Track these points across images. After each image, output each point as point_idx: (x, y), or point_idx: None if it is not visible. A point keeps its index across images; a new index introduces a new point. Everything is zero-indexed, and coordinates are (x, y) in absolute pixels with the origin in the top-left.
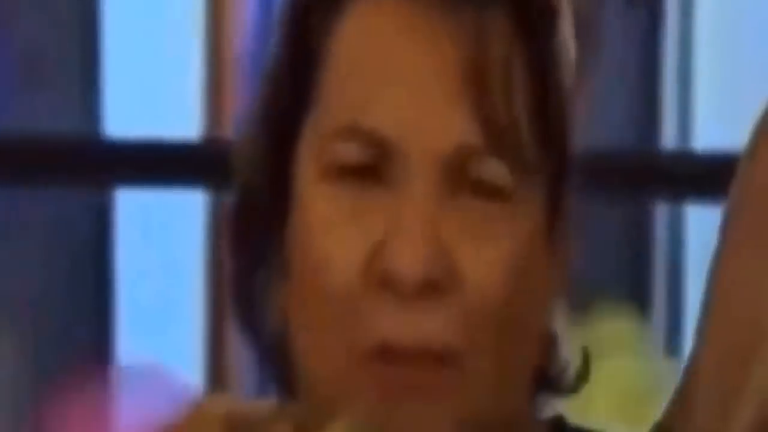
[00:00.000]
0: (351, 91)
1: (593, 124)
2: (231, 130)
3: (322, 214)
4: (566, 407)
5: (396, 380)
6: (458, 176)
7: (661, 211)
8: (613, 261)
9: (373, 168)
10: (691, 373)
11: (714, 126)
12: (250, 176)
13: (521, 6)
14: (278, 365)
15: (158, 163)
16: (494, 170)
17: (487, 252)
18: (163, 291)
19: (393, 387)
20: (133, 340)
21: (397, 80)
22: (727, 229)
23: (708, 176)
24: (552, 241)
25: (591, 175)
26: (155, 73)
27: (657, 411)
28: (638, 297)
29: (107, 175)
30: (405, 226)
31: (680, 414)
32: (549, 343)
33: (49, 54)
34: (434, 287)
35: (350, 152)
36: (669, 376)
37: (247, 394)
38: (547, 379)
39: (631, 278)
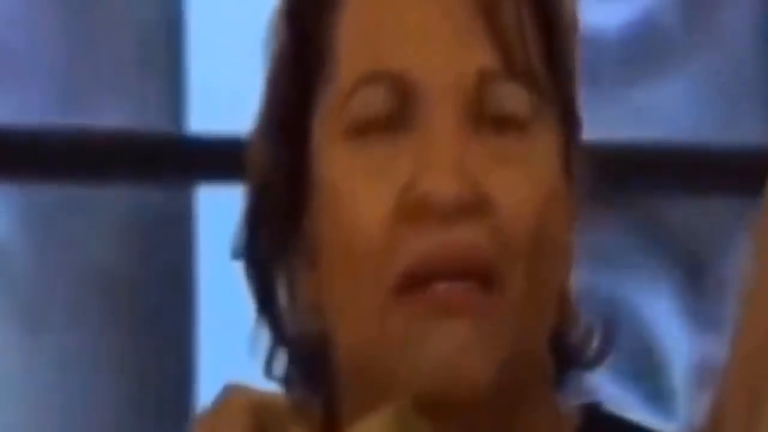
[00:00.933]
0: (366, 43)
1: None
2: None
3: (348, 171)
4: None
5: (434, 298)
6: (480, 105)
7: None
8: None
9: (394, 115)
10: (719, 387)
11: None
12: (266, 169)
13: None
14: (307, 360)
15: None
16: (514, 95)
17: (515, 177)
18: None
19: (430, 306)
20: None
21: (409, 22)
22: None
23: None
24: (567, 169)
25: None
26: (239, 69)
27: None
28: None
29: (189, 172)
30: (434, 159)
31: (711, 426)
32: (565, 305)
33: (133, 51)
34: (468, 210)
35: (371, 97)
36: None
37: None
38: (569, 346)
39: None
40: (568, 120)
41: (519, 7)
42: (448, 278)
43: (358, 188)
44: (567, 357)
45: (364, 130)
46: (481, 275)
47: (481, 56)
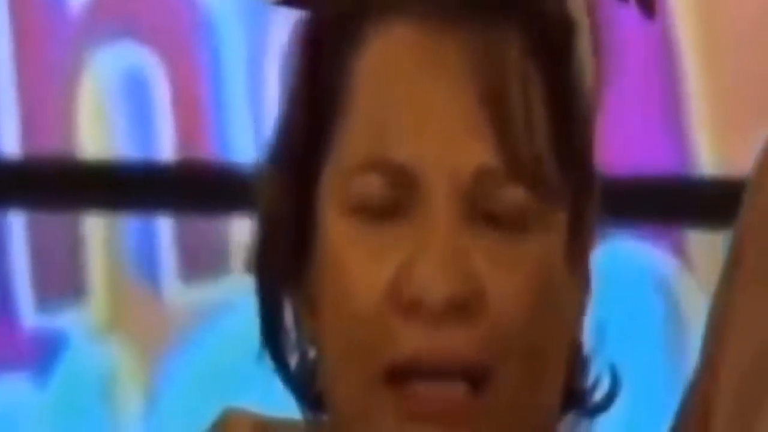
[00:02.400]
0: (370, 125)
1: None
2: None
3: (345, 248)
4: None
5: (416, 399)
6: (479, 201)
7: None
8: None
9: (393, 204)
10: (699, 401)
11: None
12: (272, 213)
13: (536, 24)
14: (308, 395)
15: None
16: (514, 195)
17: (511, 275)
18: None
19: (418, 408)
20: None
21: (414, 111)
22: (734, 259)
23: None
24: (574, 262)
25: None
26: None
27: None
28: None
29: None
30: (429, 251)
31: None
32: (576, 362)
33: None
34: (461, 307)
35: (371, 185)
36: None
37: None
38: (576, 397)
39: None
40: (579, 212)
41: (527, 101)
42: (433, 378)
43: (354, 266)
44: (574, 404)
45: (362, 211)
46: (469, 376)
47: (483, 153)
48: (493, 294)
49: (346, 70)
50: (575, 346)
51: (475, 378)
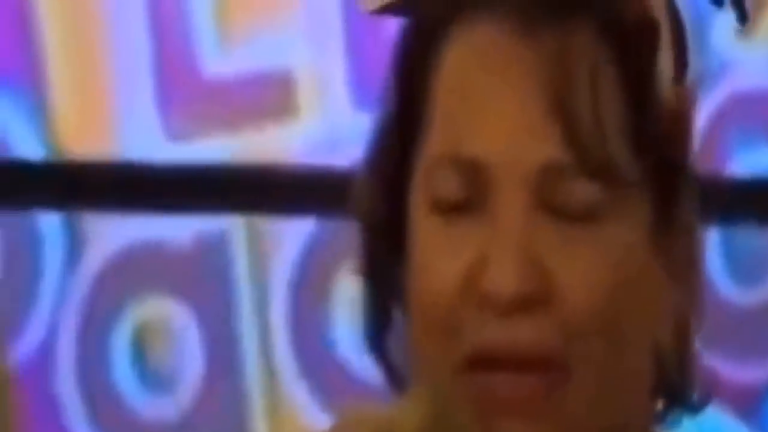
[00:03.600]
0: (447, 122)
1: None
2: None
3: (426, 243)
4: None
5: (495, 392)
6: (548, 194)
7: None
8: None
9: (467, 199)
10: None
11: None
12: (370, 213)
13: (611, 24)
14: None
15: None
16: (583, 188)
17: (582, 265)
18: None
19: (492, 400)
20: None
21: (486, 108)
22: None
23: None
24: (662, 253)
25: None
26: None
27: None
28: None
29: None
30: (500, 245)
31: None
32: (670, 357)
33: None
34: (529, 301)
35: (446, 180)
36: None
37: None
38: (670, 393)
39: None
40: (664, 202)
41: (596, 96)
42: (510, 371)
43: (432, 261)
44: (670, 401)
45: (441, 208)
46: (546, 367)
47: (551, 147)
48: (564, 285)
49: (432, 70)
50: (667, 341)
51: (552, 370)
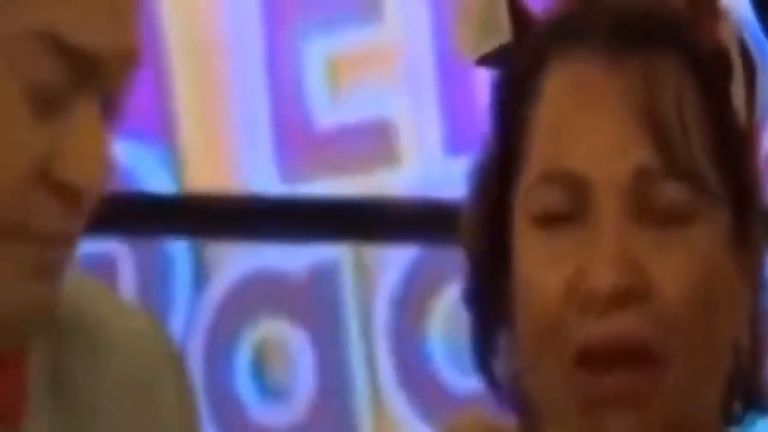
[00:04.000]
0: (549, 141)
1: None
2: None
3: (533, 257)
4: None
5: (601, 387)
6: (642, 199)
7: None
8: None
9: (569, 210)
10: None
11: None
12: (475, 241)
13: (691, 52)
14: (515, 402)
15: None
16: (673, 192)
17: (675, 262)
18: None
19: (596, 396)
20: None
21: (583, 125)
22: None
23: None
24: (740, 260)
25: None
26: None
27: None
28: None
29: None
30: (599, 247)
31: None
32: (746, 356)
33: None
34: (627, 296)
35: (549, 193)
36: None
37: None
38: (743, 393)
39: None
40: (742, 212)
41: (681, 110)
42: (605, 367)
43: (538, 274)
44: (743, 401)
45: (544, 221)
46: (643, 360)
47: (641, 155)
48: (659, 281)
49: (534, 95)
50: (745, 340)
51: (651, 362)
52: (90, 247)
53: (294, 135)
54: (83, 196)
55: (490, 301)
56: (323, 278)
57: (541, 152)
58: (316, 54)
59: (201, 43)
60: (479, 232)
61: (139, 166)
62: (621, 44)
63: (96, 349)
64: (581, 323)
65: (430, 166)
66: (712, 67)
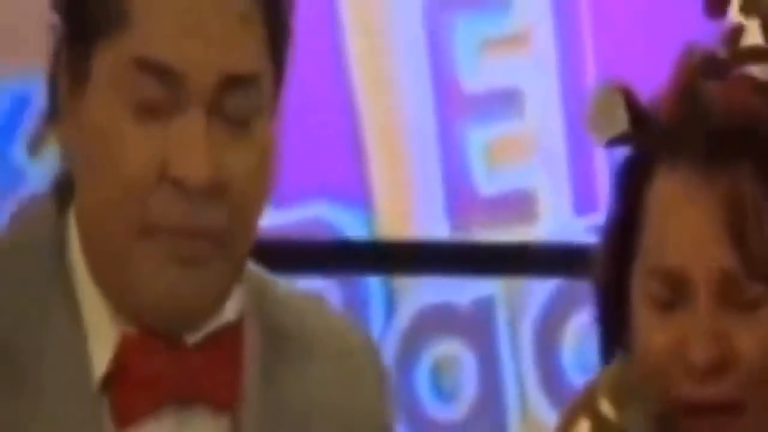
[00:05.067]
0: (656, 241)
1: None
2: None
3: (646, 328)
4: None
5: (700, 429)
6: (729, 291)
7: None
8: None
9: (671, 297)
10: None
11: None
12: (603, 282)
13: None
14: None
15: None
16: (753, 289)
17: (753, 338)
18: None
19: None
20: None
21: (679, 229)
22: None
23: None
24: None
25: None
26: None
27: None
28: None
29: None
30: (696, 331)
31: None
32: None
33: None
34: (719, 365)
35: (658, 287)
36: None
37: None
38: None
39: None
40: None
41: (761, 220)
42: (704, 416)
43: (650, 341)
44: None
45: (656, 305)
46: (731, 410)
47: (728, 261)
48: (743, 351)
49: (645, 192)
50: None
51: (736, 410)
52: (305, 283)
53: (461, 198)
54: (198, 190)
55: (612, 326)
56: (483, 308)
57: (650, 244)
58: (477, 140)
59: (391, 128)
60: (606, 273)
61: (342, 221)
62: (710, 161)
63: (308, 357)
64: (681, 380)
65: (562, 223)
66: None
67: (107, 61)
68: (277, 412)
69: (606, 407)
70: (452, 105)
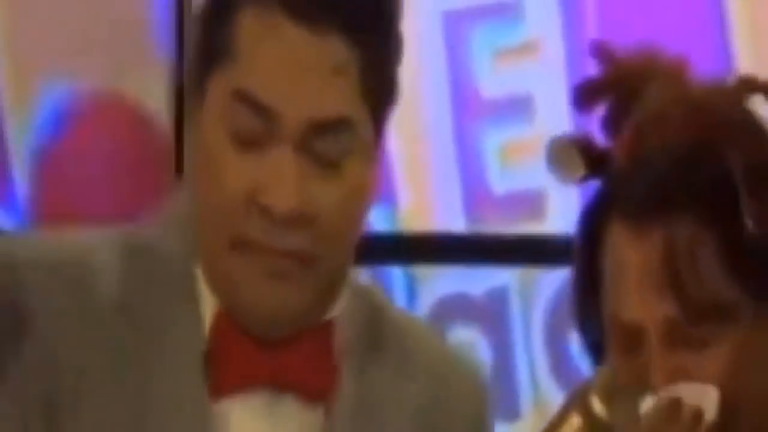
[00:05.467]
0: (611, 292)
1: None
2: None
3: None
4: None
5: None
6: (677, 337)
7: None
8: None
9: (631, 345)
10: None
11: None
12: (576, 302)
13: (709, 207)
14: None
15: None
16: (700, 329)
17: (710, 368)
18: None
19: None
20: None
21: (627, 286)
22: None
23: None
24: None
25: None
26: None
27: None
28: None
29: None
30: (650, 368)
31: None
32: None
33: None
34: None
35: (619, 336)
36: None
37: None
38: None
39: None
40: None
41: (695, 264)
42: None
43: (616, 362)
44: None
45: (619, 351)
46: None
47: (668, 309)
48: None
49: (602, 243)
50: None
51: None
52: None
53: (476, 195)
54: (283, 218)
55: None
56: (497, 297)
57: (608, 296)
58: (492, 142)
59: (412, 130)
60: (578, 290)
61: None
62: (646, 212)
63: (407, 374)
64: None
65: (570, 220)
66: (724, 210)
67: (217, 89)
68: (370, 411)
69: (597, 406)
70: (469, 109)
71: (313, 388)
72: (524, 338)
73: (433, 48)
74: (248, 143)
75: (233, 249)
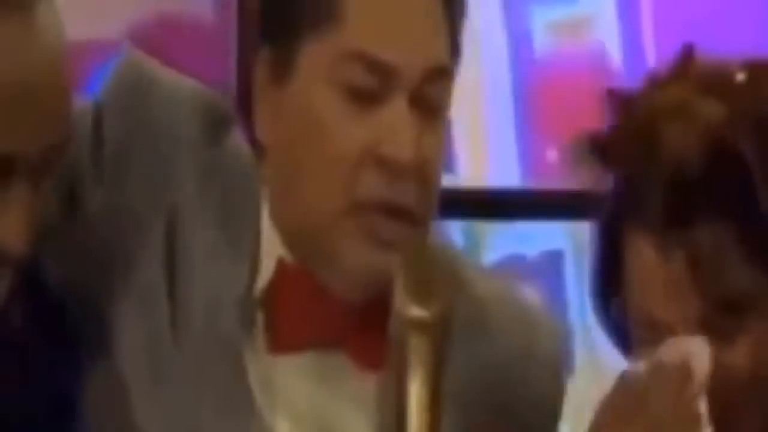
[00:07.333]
0: (637, 293)
1: None
2: None
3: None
4: None
5: None
6: (704, 330)
7: None
8: None
9: (655, 336)
10: None
11: None
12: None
13: (731, 210)
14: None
15: None
16: (721, 327)
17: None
18: None
19: None
20: None
21: (653, 287)
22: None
23: None
24: None
25: None
26: None
27: None
28: None
29: None
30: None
31: None
32: None
33: None
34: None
35: (643, 330)
36: None
37: None
38: None
39: None
40: None
41: (718, 263)
42: None
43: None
44: None
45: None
46: None
47: (693, 308)
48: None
49: (619, 242)
50: None
51: None
52: None
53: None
54: (405, 168)
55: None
56: (553, 260)
57: (634, 293)
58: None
59: (473, 102)
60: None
61: None
62: (667, 226)
63: (487, 340)
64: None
65: None
66: (746, 201)
67: (317, 53)
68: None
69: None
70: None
71: (375, 355)
72: (578, 298)
73: (493, 26)
74: (364, 100)
75: (345, 214)
